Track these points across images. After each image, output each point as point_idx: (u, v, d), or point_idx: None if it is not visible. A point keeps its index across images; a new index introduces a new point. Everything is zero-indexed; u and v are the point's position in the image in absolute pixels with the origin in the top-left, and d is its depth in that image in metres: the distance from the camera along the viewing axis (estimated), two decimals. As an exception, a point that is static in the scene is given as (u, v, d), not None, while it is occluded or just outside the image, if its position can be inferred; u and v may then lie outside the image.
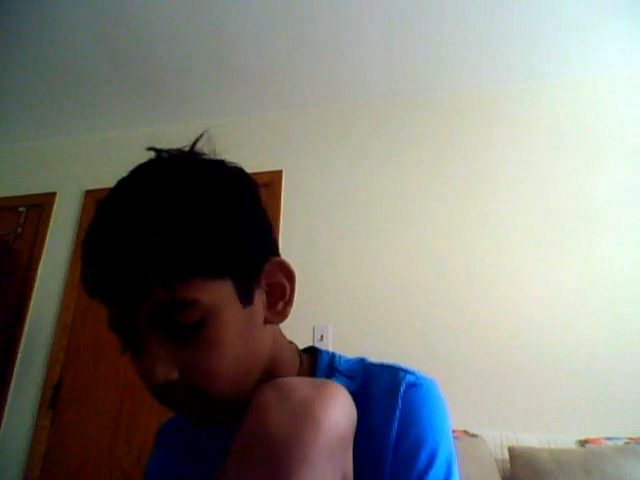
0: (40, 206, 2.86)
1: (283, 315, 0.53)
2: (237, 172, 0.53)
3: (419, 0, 2.05)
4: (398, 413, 0.50)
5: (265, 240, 0.54)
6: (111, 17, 2.15)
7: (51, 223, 2.81)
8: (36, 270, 2.69)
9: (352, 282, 2.31)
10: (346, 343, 2.17)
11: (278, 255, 0.55)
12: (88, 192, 2.81)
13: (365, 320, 2.22)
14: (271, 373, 0.53)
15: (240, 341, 0.48)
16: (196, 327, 0.46)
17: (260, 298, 0.52)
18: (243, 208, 0.50)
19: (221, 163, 0.53)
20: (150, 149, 0.51)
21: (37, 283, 2.68)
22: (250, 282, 0.50)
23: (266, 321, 0.52)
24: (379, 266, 2.31)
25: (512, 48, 2.29)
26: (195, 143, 0.53)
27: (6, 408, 2.44)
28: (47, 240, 2.76)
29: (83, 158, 2.97)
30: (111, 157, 2.90)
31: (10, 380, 2.48)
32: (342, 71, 2.47)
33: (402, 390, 0.51)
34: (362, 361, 0.59)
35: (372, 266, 2.32)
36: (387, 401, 0.51)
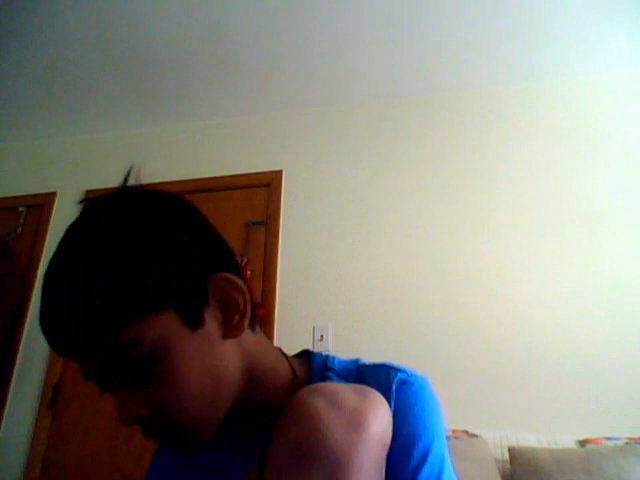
0: (40, 206, 2.86)
1: (241, 328, 0.52)
2: (166, 198, 0.53)
3: (418, 2, 2.05)
4: (391, 410, 0.50)
5: (206, 258, 0.53)
6: (111, 17, 2.15)
7: (51, 223, 2.81)
8: (36, 270, 2.69)
9: (352, 282, 2.31)
10: (346, 343, 2.17)
11: (230, 267, 0.54)
12: (88, 192, 2.81)
13: (365, 320, 2.22)
14: (255, 382, 0.53)
15: (197, 365, 0.48)
16: (149, 364, 0.47)
17: (213, 316, 0.51)
18: (176, 234, 0.50)
19: (149, 195, 0.53)
20: (81, 202, 0.54)
21: (37, 283, 2.67)
22: (194, 306, 0.50)
23: (224, 336, 0.51)
24: (379, 266, 2.31)
25: (511, 48, 2.29)
26: (126, 180, 0.54)
27: (6, 408, 2.44)
28: (47, 240, 2.76)
29: (83, 158, 2.97)
30: (111, 157, 2.90)
31: (10, 380, 2.48)
32: (342, 71, 2.47)
33: (394, 388, 0.52)
34: (355, 361, 0.59)
35: (372, 266, 2.32)
36: None
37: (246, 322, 0.52)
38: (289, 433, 0.43)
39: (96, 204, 0.52)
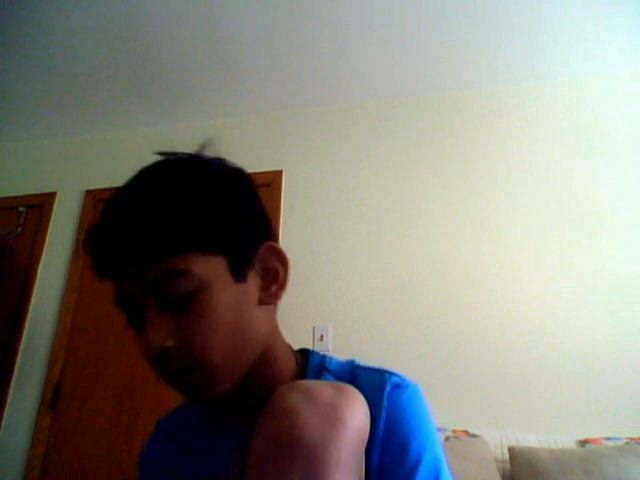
0: (40, 206, 2.86)
1: (276, 297, 0.56)
2: (236, 169, 0.58)
3: (419, 2, 2.05)
4: (384, 412, 0.51)
5: (260, 226, 0.57)
6: (111, 17, 2.15)
7: (51, 223, 2.81)
8: (36, 270, 2.69)
9: (352, 282, 2.31)
10: (346, 343, 2.17)
11: (276, 242, 0.58)
12: (88, 192, 2.81)
13: (365, 320, 2.22)
14: (267, 365, 0.56)
15: (231, 313, 0.51)
16: (189, 298, 0.49)
17: (254, 279, 0.54)
18: (240, 195, 0.55)
19: (222, 160, 0.57)
20: (158, 153, 0.56)
21: (37, 283, 2.67)
22: (243, 261, 0.53)
23: (260, 302, 0.54)
24: (379, 266, 2.31)
25: (512, 48, 2.29)
26: (201, 148, 0.58)
27: (6, 408, 2.44)
28: (47, 240, 2.76)
29: (83, 158, 2.97)
30: (111, 157, 2.90)
31: (10, 380, 2.48)
32: (342, 71, 2.47)
33: (388, 390, 0.53)
34: (351, 363, 0.61)
35: (372, 266, 2.32)
36: (373, 400, 0.52)
37: (281, 294, 0.56)
38: (267, 429, 0.44)
39: (178, 156, 0.55)
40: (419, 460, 0.49)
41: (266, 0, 2.06)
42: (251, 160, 2.65)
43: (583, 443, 1.72)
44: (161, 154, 0.55)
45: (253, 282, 0.54)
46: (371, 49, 2.32)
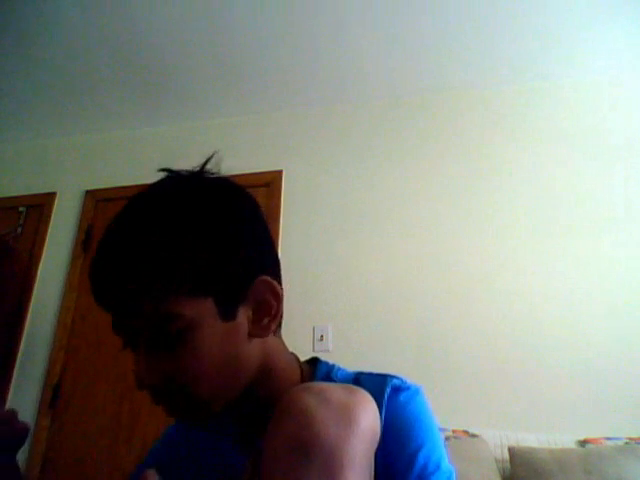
0: (40, 206, 2.86)
1: (267, 329, 0.56)
2: (238, 192, 0.57)
3: (422, 1, 2.05)
4: (384, 410, 0.53)
5: (257, 260, 0.56)
6: (111, 17, 2.15)
7: (51, 223, 2.81)
8: (36, 270, 2.69)
9: (352, 282, 2.31)
10: (346, 343, 2.17)
11: (275, 270, 0.58)
12: (88, 192, 2.81)
13: (365, 320, 2.22)
14: (265, 381, 0.56)
15: (219, 352, 0.51)
16: (178, 338, 0.50)
17: (245, 313, 0.54)
18: (238, 230, 0.54)
19: (224, 182, 0.57)
20: (162, 170, 0.56)
21: (37, 283, 2.68)
22: (233, 300, 0.53)
23: (250, 334, 0.54)
24: (379, 266, 2.31)
25: (516, 48, 2.28)
26: (205, 164, 0.57)
27: (6, 408, 2.44)
28: (47, 240, 2.76)
29: (83, 158, 2.97)
30: (111, 157, 2.90)
31: (10, 380, 2.48)
32: (343, 71, 2.47)
33: (388, 391, 0.55)
34: (357, 373, 0.61)
35: (372, 266, 2.32)
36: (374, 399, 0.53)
37: (273, 326, 0.56)
38: (281, 430, 0.44)
39: (176, 179, 0.55)
40: (419, 450, 0.51)
41: (267, 1, 2.07)
42: (251, 160, 2.66)
43: (583, 443, 1.72)
44: (165, 171, 0.56)
45: (244, 316, 0.54)
46: (374, 49, 2.32)
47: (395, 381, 0.56)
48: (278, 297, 0.56)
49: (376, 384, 0.55)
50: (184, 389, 0.51)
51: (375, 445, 0.47)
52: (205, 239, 0.51)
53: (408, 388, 0.56)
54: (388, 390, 0.54)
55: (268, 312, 0.56)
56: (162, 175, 0.56)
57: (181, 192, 0.53)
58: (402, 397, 0.55)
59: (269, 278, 0.56)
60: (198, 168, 0.57)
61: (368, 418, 0.45)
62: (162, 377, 0.51)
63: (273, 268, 0.58)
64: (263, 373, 0.56)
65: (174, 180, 0.56)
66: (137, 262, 0.49)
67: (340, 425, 0.43)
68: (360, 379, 0.58)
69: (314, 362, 0.64)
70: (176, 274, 0.49)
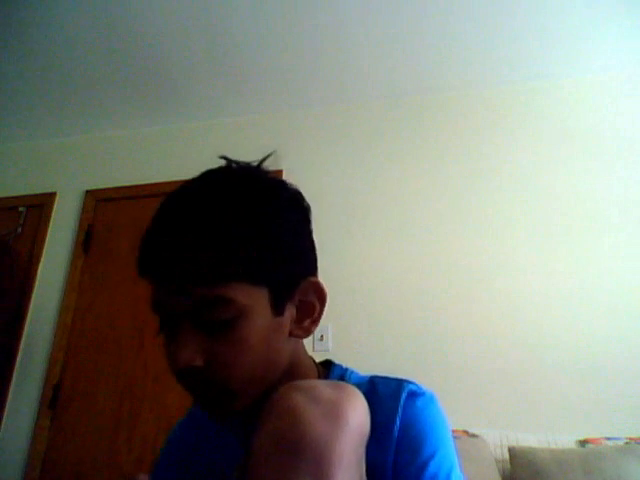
0: (40, 206, 2.86)
1: (308, 332, 0.57)
2: (294, 194, 0.58)
3: (422, 1, 2.05)
4: (400, 416, 0.53)
5: (306, 260, 0.59)
6: (111, 17, 2.15)
7: (51, 223, 2.81)
8: (36, 270, 2.69)
9: (352, 282, 2.30)
10: (346, 343, 2.17)
11: (315, 276, 0.60)
12: (88, 192, 2.81)
13: (365, 320, 2.22)
14: (290, 379, 0.56)
15: (263, 345, 0.52)
16: (227, 324, 0.50)
17: (290, 312, 0.55)
18: (292, 227, 0.55)
19: (282, 183, 0.57)
20: (222, 157, 0.57)
21: (37, 283, 2.67)
22: (284, 295, 0.54)
23: (291, 334, 0.56)
24: (379, 266, 2.31)
25: (517, 47, 2.28)
26: (263, 160, 0.58)
27: (6, 408, 2.44)
28: (47, 240, 2.76)
29: (83, 158, 2.97)
30: (111, 157, 2.90)
31: (10, 380, 2.48)
32: (343, 71, 2.47)
33: (404, 396, 0.55)
34: (372, 376, 0.62)
35: (372, 266, 2.31)
36: (390, 405, 0.54)
37: (314, 329, 0.57)
38: (269, 428, 0.44)
39: (242, 169, 0.56)
40: (431, 458, 0.50)
41: (266, 1, 2.06)
42: (251, 160, 2.65)
43: (583, 443, 1.72)
44: (225, 159, 0.56)
45: (288, 314, 0.55)
46: (374, 48, 2.32)
47: (411, 387, 0.56)
48: (323, 300, 0.57)
49: (392, 388, 0.56)
50: (218, 374, 0.50)
51: (365, 441, 0.46)
52: (271, 231, 0.52)
53: (424, 394, 0.56)
54: (404, 395, 0.55)
55: (310, 314, 0.57)
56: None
57: (251, 183, 0.53)
58: (419, 403, 0.55)
59: (318, 280, 0.57)
60: (256, 162, 0.58)
61: (357, 415, 0.45)
62: (202, 361, 0.50)
63: (316, 271, 0.60)
64: (287, 374, 0.56)
65: (241, 170, 0.56)
66: (200, 241, 0.49)
67: (328, 422, 0.43)
68: (376, 382, 0.58)
69: (328, 364, 0.65)
70: (239, 261, 0.49)
